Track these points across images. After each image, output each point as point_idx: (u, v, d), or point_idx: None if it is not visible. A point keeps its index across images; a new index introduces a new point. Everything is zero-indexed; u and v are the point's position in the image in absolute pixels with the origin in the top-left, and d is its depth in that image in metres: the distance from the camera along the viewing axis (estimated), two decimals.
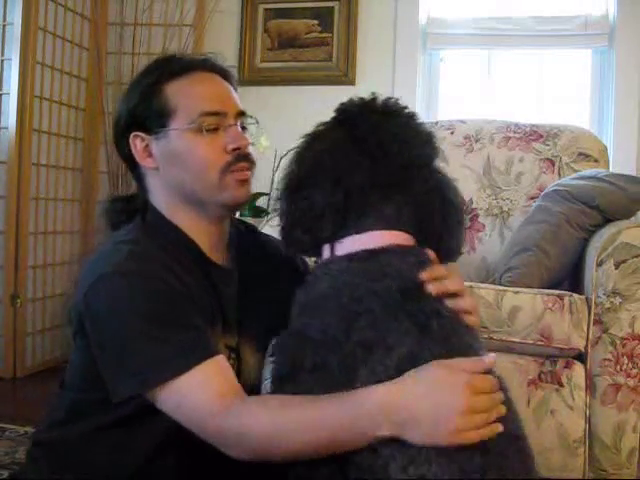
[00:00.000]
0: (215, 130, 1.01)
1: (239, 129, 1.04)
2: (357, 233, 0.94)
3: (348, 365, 0.84)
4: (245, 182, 1.04)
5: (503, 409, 0.82)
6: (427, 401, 0.79)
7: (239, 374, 1.04)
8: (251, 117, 1.09)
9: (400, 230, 0.94)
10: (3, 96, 2.65)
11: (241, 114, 1.06)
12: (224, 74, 1.08)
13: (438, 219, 0.97)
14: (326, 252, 0.97)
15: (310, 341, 0.88)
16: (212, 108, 1.01)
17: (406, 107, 0.97)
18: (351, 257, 0.93)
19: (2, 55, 2.67)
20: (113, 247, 1.00)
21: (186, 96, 1.02)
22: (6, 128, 2.61)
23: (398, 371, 0.81)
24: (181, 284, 0.95)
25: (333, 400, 0.83)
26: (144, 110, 1.02)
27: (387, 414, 0.79)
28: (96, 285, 0.94)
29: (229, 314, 1.07)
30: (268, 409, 0.87)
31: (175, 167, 1.02)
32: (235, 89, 1.09)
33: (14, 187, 2.61)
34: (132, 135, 1.03)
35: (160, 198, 1.06)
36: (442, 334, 0.85)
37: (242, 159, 1.03)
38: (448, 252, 1.00)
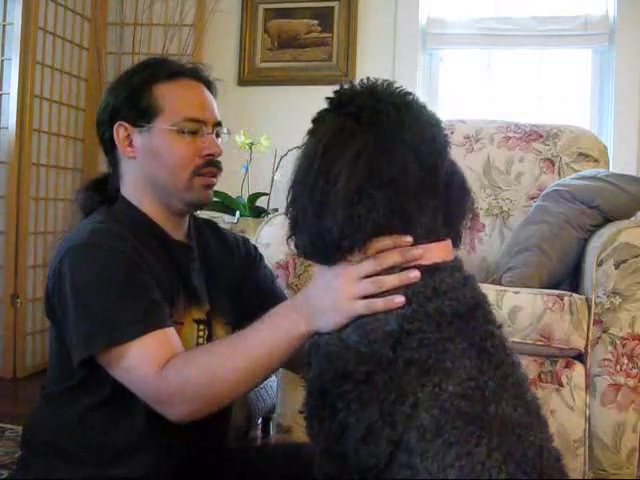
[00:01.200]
0: (194, 134, 1.10)
1: (214, 138, 1.13)
2: None
3: (399, 385, 0.81)
4: (210, 187, 1.14)
5: (393, 280, 0.84)
6: (319, 289, 0.90)
7: None
8: (226, 129, 1.18)
9: (443, 238, 0.91)
10: (3, 96, 2.65)
11: (218, 124, 1.15)
12: (208, 85, 1.16)
13: (460, 214, 0.96)
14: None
15: (355, 351, 0.84)
16: (195, 115, 1.11)
17: (410, 92, 0.92)
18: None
19: (2, 55, 2.67)
20: (79, 228, 1.08)
21: (173, 100, 1.10)
22: (6, 128, 2.62)
23: (465, 398, 0.79)
24: (140, 258, 1.03)
25: (256, 327, 0.94)
26: (132, 104, 1.11)
27: (299, 311, 0.91)
28: (62, 260, 1.01)
29: (197, 288, 1.15)
30: (196, 355, 0.97)
31: (152, 160, 1.11)
32: (215, 98, 1.18)
33: (14, 187, 2.61)
34: (117, 124, 1.11)
35: (130, 184, 1.14)
36: (497, 357, 0.84)
37: (212, 165, 1.12)
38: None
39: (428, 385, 0.80)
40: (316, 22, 2.98)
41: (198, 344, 1.12)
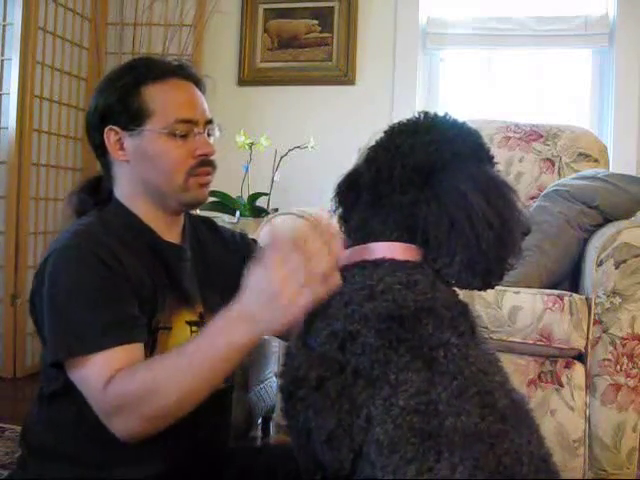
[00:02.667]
0: (186, 136, 1.09)
1: (206, 137, 1.13)
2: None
3: (350, 396, 0.81)
4: (206, 185, 1.13)
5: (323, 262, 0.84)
6: (256, 295, 0.86)
7: None
8: (217, 125, 1.17)
9: (396, 240, 0.91)
10: (3, 96, 2.65)
11: (209, 122, 1.14)
12: (197, 82, 1.15)
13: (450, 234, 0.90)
14: None
15: (308, 352, 0.86)
16: (186, 116, 1.09)
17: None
18: (347, 268, 0.91)
19: (2, 55, 2.67)
20: (67, 229, 1.07)
21: (163, 101, 1.09)
22: (6, 128, 2.61)
23: (417, 413, 0.77)
24: (120, 266, 1.01)
25: (197, 341, 0.92)
26: (121, 108, 1.09)
27: (239, 322, 0.87)
28: (46, 262, 1.02)
29: (188, 289, 1.14)
30: (137, 371, 0.94)
31: (145, 164, 1.10)
32: (204, 95, 1.17)
33: (14, 187, 2.61)
34: (107, 128, 1.10)
35: (123, 187, 1.14)
36: (453, 367, 0.81)
37: (206, 164, 1.12)
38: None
39: (378, 399, 0.79)
40: (316, 22, 2.98)
41: None
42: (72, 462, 1.04)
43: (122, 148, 1.10)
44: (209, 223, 1.30)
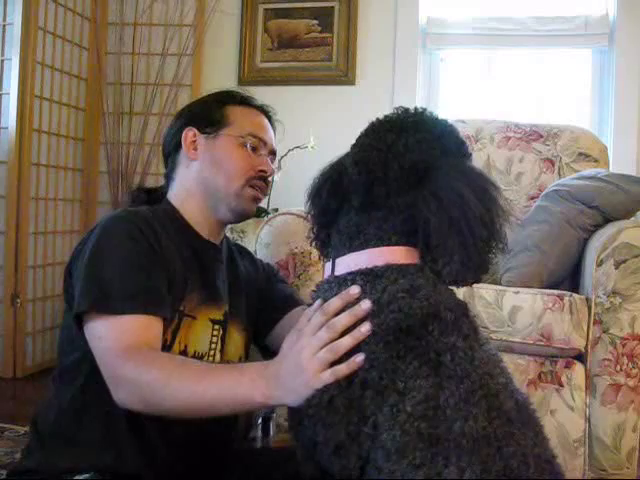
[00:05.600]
0: (254, 150, 1.22)
1: (269, 160, 1.25)
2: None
3: (359, 406, 0.81)
4: (257, 200, 1.24)
5: (348, 342, 0.84)
6: (289, 365, 0.88)
7: (223, 346, 1.18)
8: (278, 163, 1.29)
9: (401, 244, 0.90)
10: (3, 96, 2.65)
11: (273, 153, 1.28)
12: (271, 121, 1.31)
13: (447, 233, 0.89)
14: (327, 270, 0.95)
15: None
16: (258, 134, 1.24)
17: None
18: (345, 279, 0.90)
19: (2, 55, 2.67)
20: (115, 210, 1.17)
21: (242, 118, 1.24)
22: (6, 128, 2.61)
23: (425, 419, 0.77)
24: (160, 247, 1.08)
25: (222, 372, 0.96)
26: (204, 115, 1.24)
27: (266, 382, 0.89)
28: (95, 227, 1.09)
29: (219, 288, 1.20)
30: (167, 364, 0.97)
31: (211, 164, 1.21)
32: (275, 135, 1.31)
33: (14, 187, 2.61)
34: (187, 128, 1.23)
35: (182, 186, 1.23)
36: (460, 371, 0.81)
37: (263, 180, 1.23)
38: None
39: (385, 406, 0.79)
40: (316, 22, 2.98)
41: (212, 343, 1.16)
42: (76, 444, 1.04)
43: (195, 148, 1.22)
44: (242, 249, 1.40)
